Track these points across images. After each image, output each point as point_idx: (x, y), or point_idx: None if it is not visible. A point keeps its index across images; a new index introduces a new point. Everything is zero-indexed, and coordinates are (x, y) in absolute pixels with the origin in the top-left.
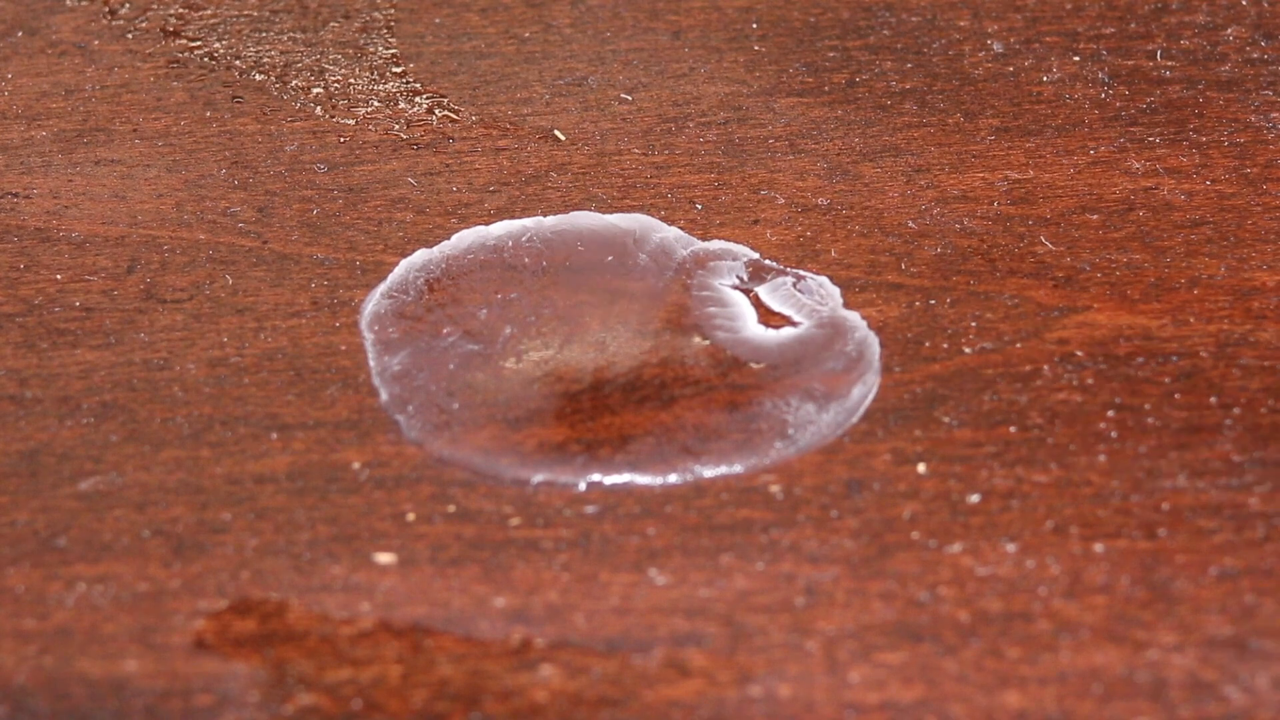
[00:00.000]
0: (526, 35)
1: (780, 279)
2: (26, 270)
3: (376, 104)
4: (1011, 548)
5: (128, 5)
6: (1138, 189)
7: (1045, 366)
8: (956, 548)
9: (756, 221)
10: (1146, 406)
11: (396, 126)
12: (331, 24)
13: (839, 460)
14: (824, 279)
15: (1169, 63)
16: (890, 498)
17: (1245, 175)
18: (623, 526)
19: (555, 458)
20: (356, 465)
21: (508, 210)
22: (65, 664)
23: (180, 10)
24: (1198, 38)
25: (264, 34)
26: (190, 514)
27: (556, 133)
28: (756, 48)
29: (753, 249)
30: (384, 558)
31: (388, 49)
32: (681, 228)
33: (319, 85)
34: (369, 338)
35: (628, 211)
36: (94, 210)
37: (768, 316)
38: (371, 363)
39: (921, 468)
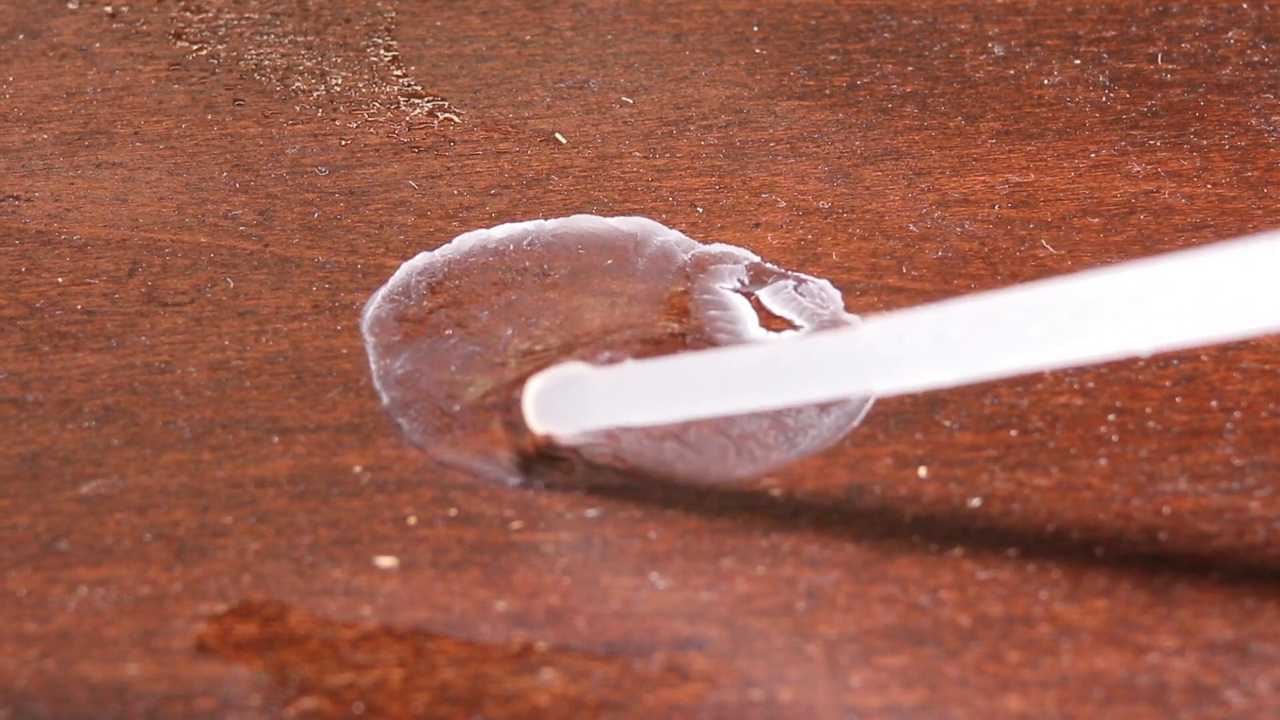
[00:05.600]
0: (528, 38)
1: (781, 282)
2: (28, 273)
3: (378, 107)
4: (1012, 551)
5: (129, 8)
6: (1139, 192)
7: (1046, 370)
8: (958, 551)
9: (757, 225)
10: (1147, 410)
11: (398, 129)
12: (333, 27)
13: (840, 464)
14: (825, 282)
15: (1170, 66)
16: (891, 501)
17: (1246, 178)
18: (624, 530)
19: (557, 461)
20: (358, 469)
21: (509, 213)
22: (66, 667)
23: (181, 13)
24: (1199, 41)
25: (265, 37)
26: (191, 517)
27: (557, 136)
28: (757, 51)
29: (754, 252)
30: (385, 561)
31: (389, 52)
32: (682, 231)
33: (320, 88)
34: (370, 341)
35: (629, 215)
36: (95, 213)
37: (769, 320)
38: (373, 366)
39: (922, 471)
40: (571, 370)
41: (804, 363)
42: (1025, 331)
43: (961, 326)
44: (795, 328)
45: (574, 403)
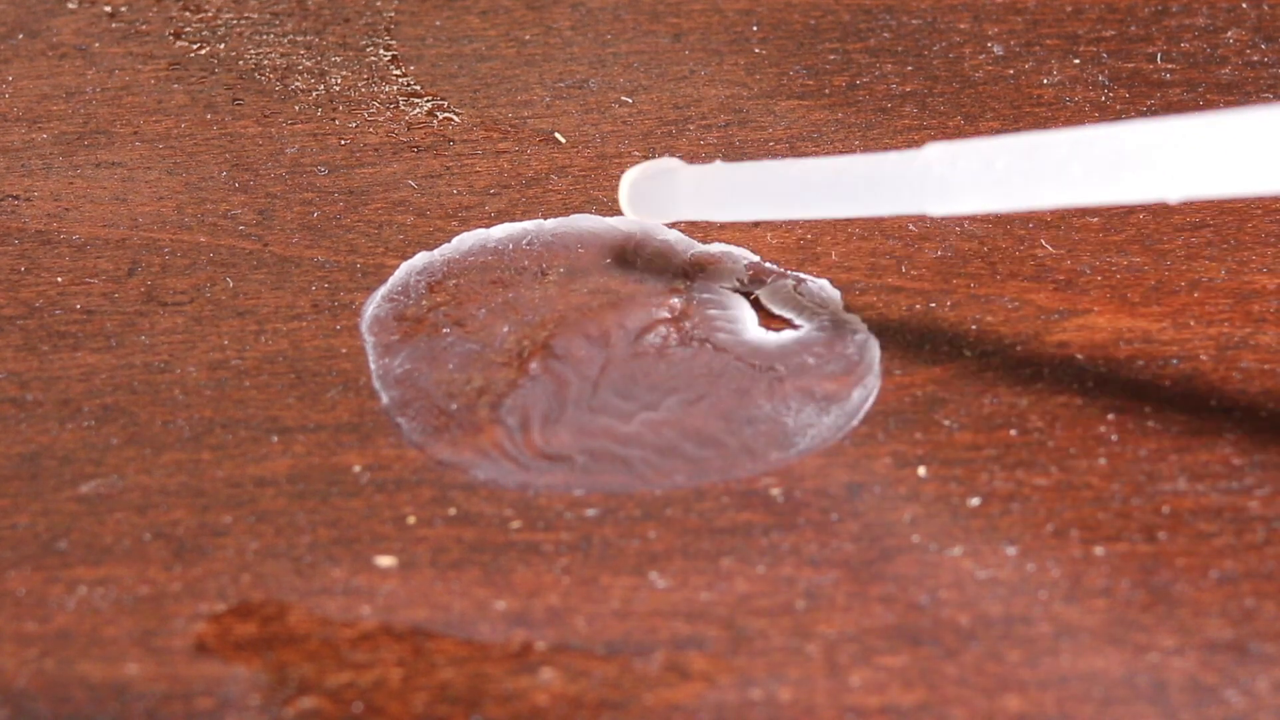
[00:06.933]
0: (527, 38)
1: (781, 282)
2: (27, 273)
3: (377, 106)
4: (1012, 551)
5: (128, 7)
6: None
7: (1045, 369)
8: (957, 551)
9: (756, 224)
10: (1147, 409)
11: (397, 129)
12: (333, 27)
13: (839, 463)
14: (824, 282)
15: (1169, 65)
16: (891, 501)
17: None
18: (623, 530)
19: (556, 460)
20: (357, 468)
21: (508, 213)
22: (66, 667)
23: (181, 13)
24: (1198, 40)
25: (265, 36)
26: (191, 517)
27: (557, 135)
28: (757, 50)
29: (753, 252)
30: (385, 561)
31: (388, 51)
32: (682, 230)
33: (320, 88)
34: (370, 340)
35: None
36: (95, 213)
37: (768, 319)
38: (372, 365)
39: (922, 471)
40: (664, 163)
41: (869, 176)
42: (1067, 168)
43: (1009, 157)
44: (795, 327)
45: (664, 194)
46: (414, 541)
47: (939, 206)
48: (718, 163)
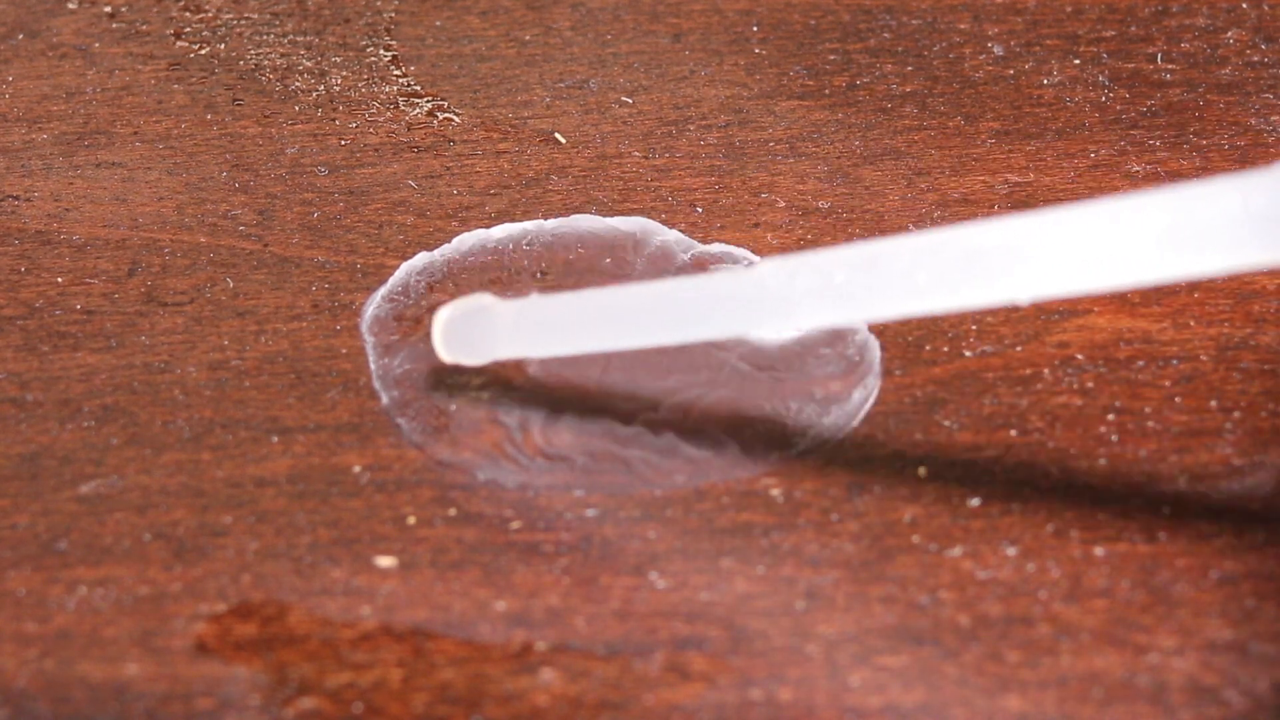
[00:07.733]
0: (527, 38)
1: None
2: (27, 273)
3: (377, 107)
4: (1012, 551)
5: (128, 8)
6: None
7: (1045, 370)
8: (957, 551)
9: (757, 225)
10: (1147, 410)
11: (397, 129)
12: (333, 27)
13: (839, 463)
14: None
15: (1169, 66)
16: (891, 501)
17: None
18: (623, 530)
19: (556, 460)
20: (357, 468)
21: (508, 213)
22: (66, 667)
23: (181, 13)
24: (1198, 41)
25: (265, 37)
26: (191, 517)
27: (557, 135)
28: (757, 51)
29: (753, 252)
30: (385, 561)
31: (388, 52)
32: (682, 231)
33: (320, 88)
34: (370, 341)
35: (628, 215)
36: (95, 213)
37: None
38: (372, 366)
39: (922, 471)
40: (479, 301)
41: (701, 300)
42: (911, 277)
43: (849, 270)
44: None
45: (481, 333)
46: (414, 542)
47: (779, 325)
48: (534, 295)
